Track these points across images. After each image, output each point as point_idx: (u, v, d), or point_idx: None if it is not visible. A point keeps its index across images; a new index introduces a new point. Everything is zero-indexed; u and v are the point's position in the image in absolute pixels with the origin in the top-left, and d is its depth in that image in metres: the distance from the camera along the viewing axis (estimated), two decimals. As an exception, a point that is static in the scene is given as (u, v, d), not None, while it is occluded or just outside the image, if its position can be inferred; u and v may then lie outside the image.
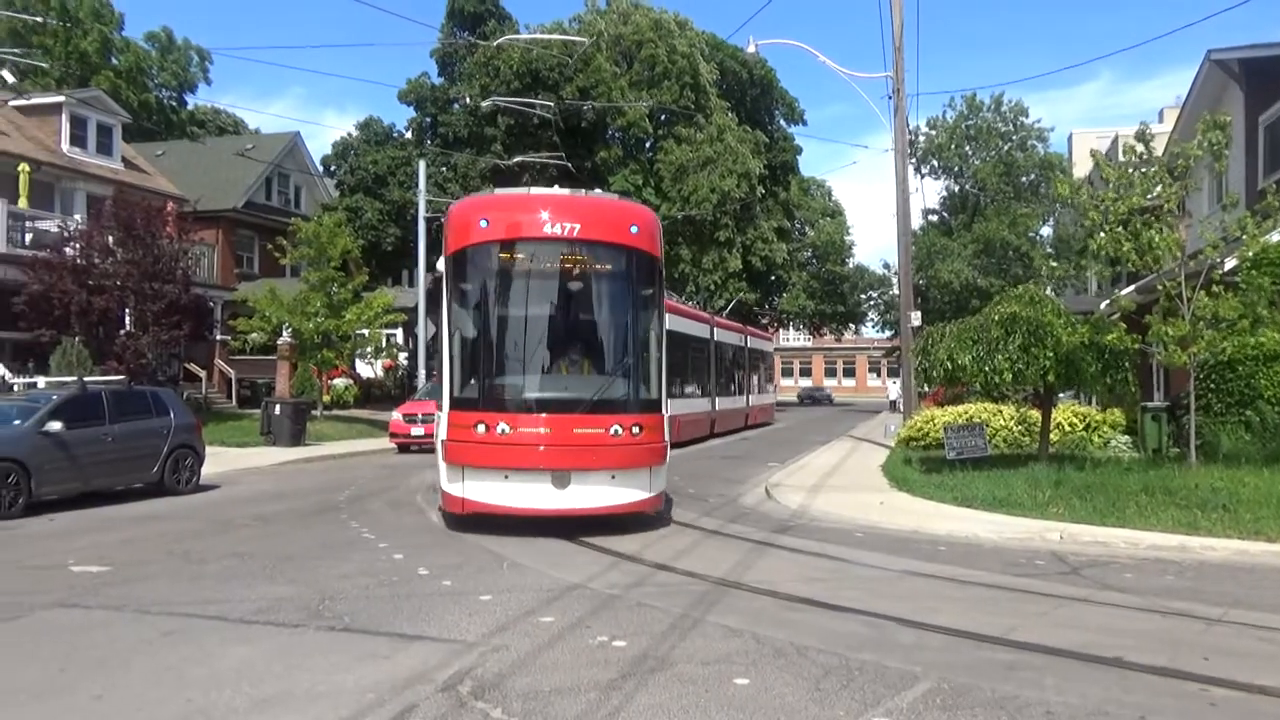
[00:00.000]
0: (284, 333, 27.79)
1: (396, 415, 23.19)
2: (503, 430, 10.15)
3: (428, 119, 38.47)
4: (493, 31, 36.36)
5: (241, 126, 56.71)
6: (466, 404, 10.47)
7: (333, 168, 41.22)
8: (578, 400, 10.46)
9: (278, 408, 22.91)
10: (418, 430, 21.92)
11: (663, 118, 41.14)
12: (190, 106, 55.59)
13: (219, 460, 17.60)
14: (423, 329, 30.17)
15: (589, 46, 33.12)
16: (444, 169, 35.87)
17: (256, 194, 38.65)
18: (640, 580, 8.00)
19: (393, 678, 5.43)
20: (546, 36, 34.42)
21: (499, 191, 12.06)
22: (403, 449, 22.36)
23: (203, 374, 31.42)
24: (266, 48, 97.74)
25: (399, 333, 38.87)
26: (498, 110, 32.72)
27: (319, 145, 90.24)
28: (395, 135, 39.65)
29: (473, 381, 10.67)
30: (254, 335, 28.11)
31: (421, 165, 31.34)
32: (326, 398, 30.90)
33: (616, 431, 10.28)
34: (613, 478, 10.38)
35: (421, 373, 30.05)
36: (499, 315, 10.87)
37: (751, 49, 22.33)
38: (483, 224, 10.70)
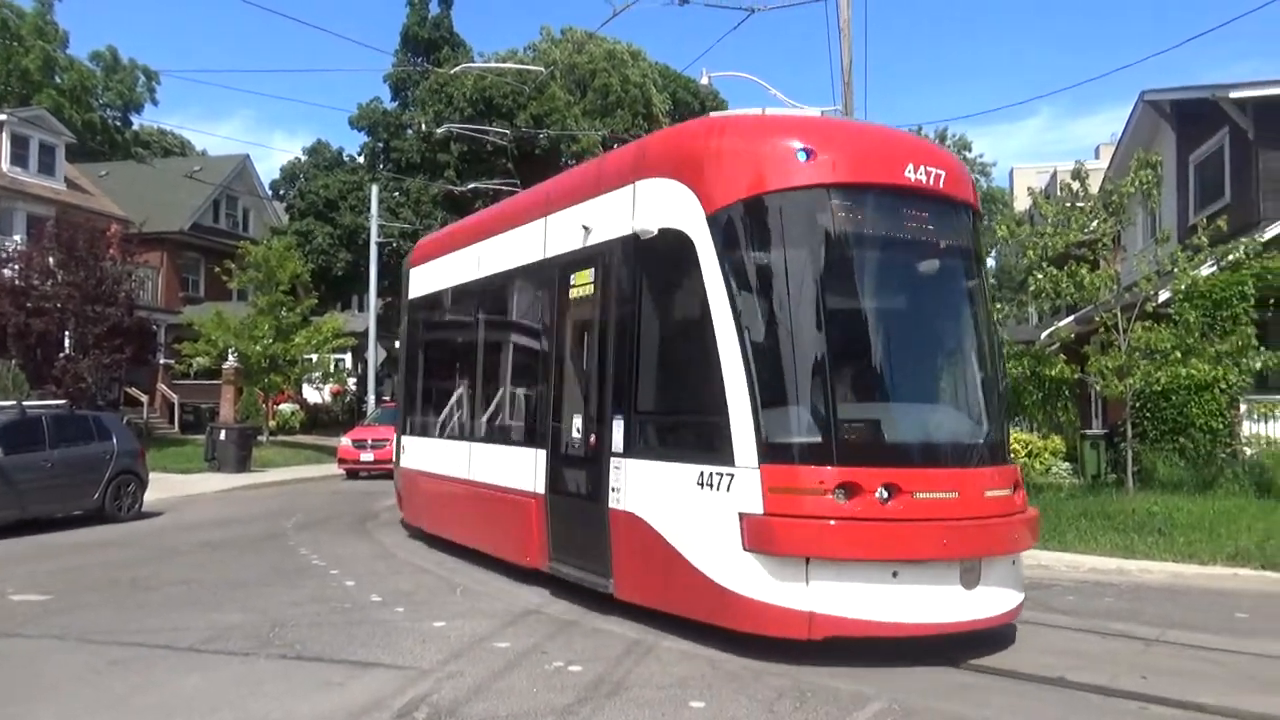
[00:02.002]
0: (230, 357, 27.33)
1: (345, 441, 22.89)
2: (884, 496, 6.24)
3: (380, 144, 38.29)
4: (446, 58, 36.41)
5: (188, 148, 55.84)
6: (801, 453, 6.42)
7: (282, 191, 40.78)
8: (973, 447, 6.95)
9: (223, 433, 22.49)
10: (367, 456, 21.68)
11: (615, 146, 41.48)
12: (136, 127, 54.64)
13: (162, 487, 17.22)
14: (373, 353, 29.91)
15: (544, 76, 33.32)
16: (396, 194, 35.70)
17: (204, 216, 38.08)
18: (595, 606, 8.02)
19: (347, 706, 5.39)
20: (502, 65, 34.52)
21: (742, 111, 7.54)
22: (351, 475, 22.06)
23: (145, 399, 30.74)
24: (216, 70, 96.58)
25: (348, 358, 38.46)
26: (451, 136, 32.73)
27: (269, 168, 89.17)
28: (346, 160, 39.39)
29: (802, 413, 6.54)
30: (199, 359, 27.58)
31: (374, 190, 31.19)
32: (273, 423, 30.42)
33: (1010, 494, 6.86)
34: (1012, 564, 6.86)
35: (371, 398, 29.75)
36: (839, 306, 6.85)
37: (705, 81, 22.69)
38: (801, 155, 6.72)
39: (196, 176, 35.41)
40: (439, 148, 35.13)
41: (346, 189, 36.37)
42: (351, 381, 38.24)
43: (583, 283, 8.29)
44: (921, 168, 6.96)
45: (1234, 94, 17.57)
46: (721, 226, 6.82)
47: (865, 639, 6.17)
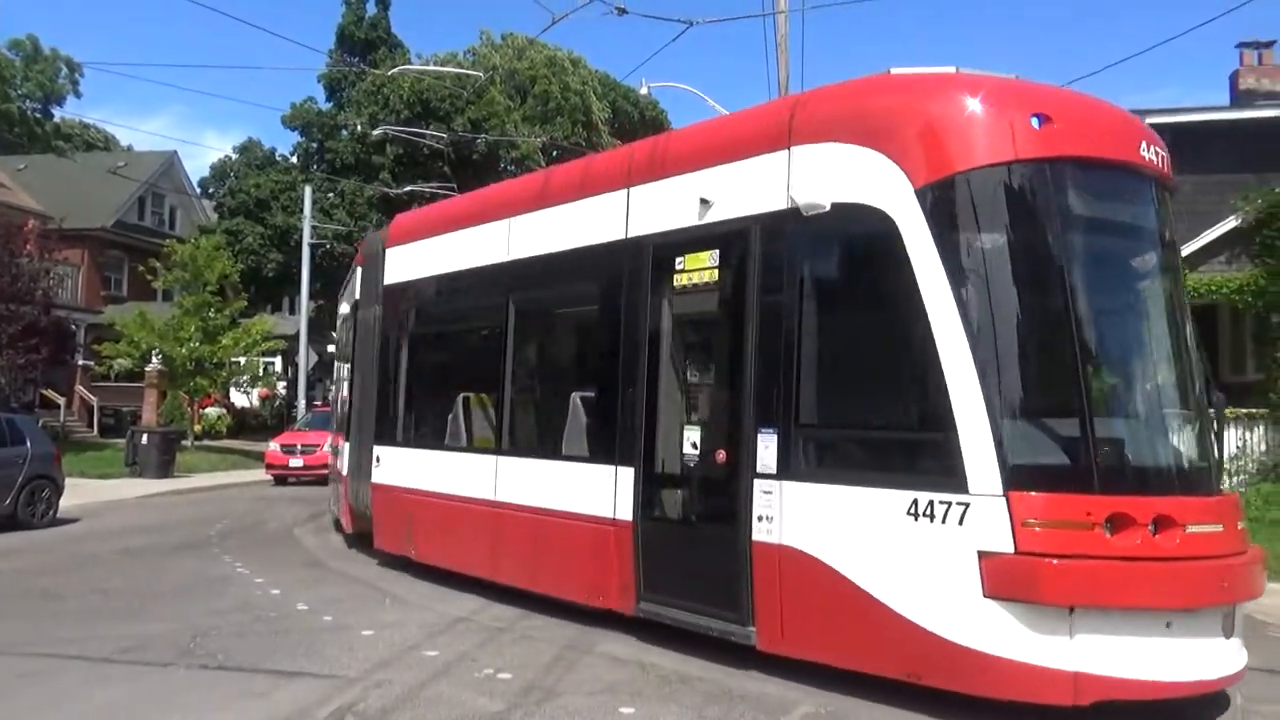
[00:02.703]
0: (153, 359, 26.54)
1: (274, 446, 22.40)
2: (1154, 531, 5.26)
3: (314, 144, 37.63)
4: (383, 59, 35.95)
5: (113, 143, 54.12)
6: (1057, 477, 5.35)
7: (211, 190, 39.81)
8: (1210, 469, 6.10)
9: (144, 437, 21.82)
10: (296, 461, 21.24)
11: (555, 154, 41.47)
12: (57, 119, 52.80)
13: (79, 492, 16.64)
14: (304, 356, 29.34)
15: (484, 81, 33.12)
16: (330, 195, 35.11)
17: (128, 214, 36.96)
18: (526, 613, 8.00)
19: (271, 716, 5.30)
20: (441, 69, 34.20)
21: (930, 70, 6.17)
22: (280, 481, 21.59)
23: (62, 401, 29.70)
24: (144, 64, 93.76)
25: (277, 361, 37.65)
26: (387, 138, 32.34)
27: (199, 166, 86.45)
28: (279, 159, 38.61)
29: (1054, 429, 5.56)
30: (120, 361, 26.72)
31: (308, 191, 30.64)
32: (198, 427, 29.62)
33: (1242, 525, 5.96)
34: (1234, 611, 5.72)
35: (301, 402, 29.16)
36: (1085, 302, 5.79)
37: (645, 90, 22.88)
38: (1035, 122, 5.67)
39: (121, 172, 34.31)
40: (374, 149, 34.68)
41: (279, 189, 35.65)
42: (281, 385, 37.43)
43: (697, 267, 6.82)
44: (1152, 147, 6.05)
45: (1150, 119, 18.30)
46: (937, 203, 5.61)
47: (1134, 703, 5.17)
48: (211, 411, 32.74)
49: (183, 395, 27.62)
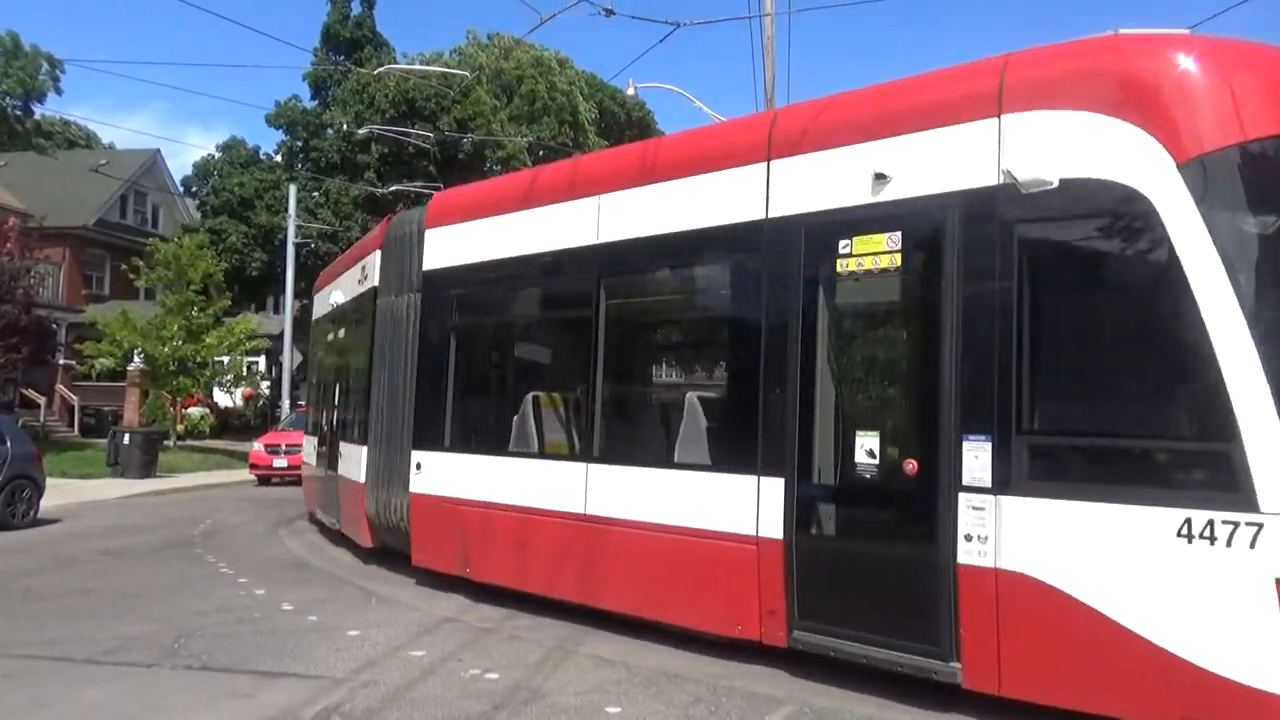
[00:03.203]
0: (135, 358, 26.34)
1: (257, 446, 22.29)
2: None
3: (299, 143, 37.44)
4: (368, 58, 35.83)
5: (94, 140, 53.66)
6: None
7: (195, 188, 39.55)
8: None
9: (126, 437, 21.65)
10: (280, 461, 21.12)
11: (541, 153, 41.46)
12: (38, 117, 52.27)
13: (60, 492, 16.50)
14: (288, 356, 29.19)
15: (470, 80, 33.06)
16: (315, 194, 34.95)
17: (110, 212, 36.67)
18: (513, 613, 8.00)
19: (257, 716, 5.29)
20: (428, 68, 34.11)
21: (1143, 30, 5.56)
22: (264, 481, 21.48)
23: (42, 400, 29.44)
24: (126, 61, 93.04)
25: (261, 360, 37.44)
26: (372, 137, 32.24)
27: (182, 164, 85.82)
28: (263, 158, 38.39)
29: None
30: (102, 360, 26.49)
31: (292, 190, 30.49)
32: (180, 427, 29.42)
33: None
34: None
35: (285, 402, 29.00)
36: None
37: (631, 91, 22.87)
38: None
39: (103, 170, 34.00)
40: (359, 149, 34.56)
41: (263, 188, 35.47)
42: (264, 385, 37.22)
43: (869, 250, 5.97)
44: None
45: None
46: (1208, 180, 4.94)
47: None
48: (195, 411, 32.53)
49: (165, 395, 27.42)
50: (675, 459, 7.02)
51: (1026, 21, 79.51)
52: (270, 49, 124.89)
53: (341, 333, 12.90)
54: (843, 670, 6.01)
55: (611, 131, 48.03)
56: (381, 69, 29.40)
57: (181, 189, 41.71)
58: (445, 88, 33.38)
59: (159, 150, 41.95)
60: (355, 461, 10.68)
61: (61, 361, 30.34)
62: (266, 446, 21.81)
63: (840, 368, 6.27)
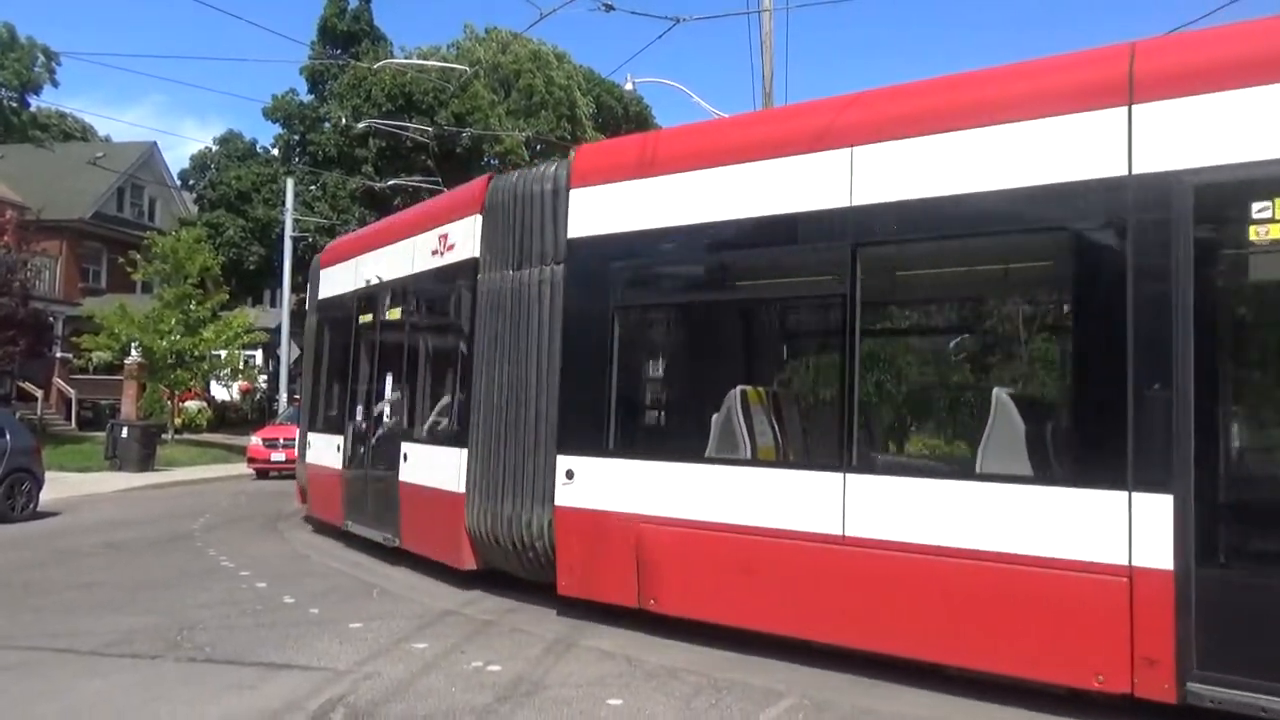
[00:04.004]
0: (133, 351, 26.33)
1: (255, 440, 22.29)
2: None
3: (296, 137, 37.37)
4: (366, 52, 35.73)
5: (90, 133, 53.46)
6: None
7: (192, 182, 39.47)
8: None
9: (124, 430, 21.65)
10: (278, 456, 21.11)
11: (539, 147, 41.45)
12: (34, 109, 52.08)
13: (59, 486, 16.51)
14: (285, 350, 29.16)
15: (468, 75, 33.03)
16: (312, 188, 34.89)
17: (107, 205, 36.61)
18: (515, 606, 8.04)
19: (260, 708, 5.31)
20: (426, 62, 34.06)
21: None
22: (261, 475, 21.48)
23: (39, 393, 29.40)
24: (122, 54, 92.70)
25: (258, 354, 37.41)
26: (370, 131, 32.20)
27: (178, 157, 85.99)
28: (260, 151, 38.32)
29: None
30: (100, 353, 26.46)
31: (289, 183, 30.44)
32: (178, 421, 29.40)
33: None
34: None
35: (283, 395, 28.99)
36: None
37: (629, 86, 22.88)
38: None
39: (100, 163, 33.98)
40: (357, 143, 34.49)
41: (260, 181, 35.41)
42: (262, 379, 37.21)
43: None
44: None
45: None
46: None
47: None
48: (192, 405, 32.51)
49: (163, 388, 27.41)
50: (981, 469, 5.92)
51: (1028, 18, 79.60)
52: (267, 42, 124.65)
53: (393, 313, 10.63)
54: (846, 666, 6.08)
55: (609, 127, 48.00)
56: (380, 63, 29.36)
57: (178, 182, 41.63)
58: (443, 82, 33.34)
59: (156, 143, 41.88)
60: (440, 467, 8.92)
61: (59, 355, 30.32)
62: (264, 440, 21.82)
63: (1253, 360, 5.40)
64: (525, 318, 8.18)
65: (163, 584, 8.94)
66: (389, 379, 10.72)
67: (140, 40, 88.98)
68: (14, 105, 50.26)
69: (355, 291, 11.71)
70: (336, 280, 12.54)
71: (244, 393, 36.76)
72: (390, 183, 30.46)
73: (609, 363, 7.54)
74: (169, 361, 26.15)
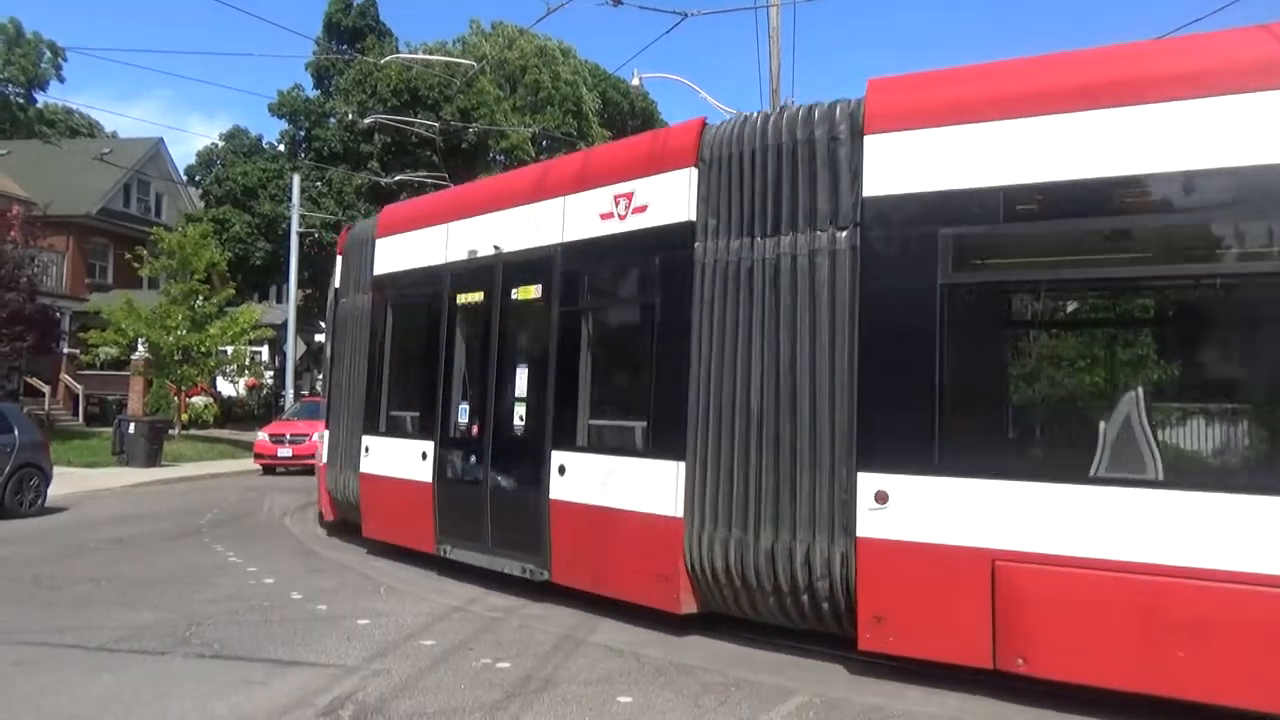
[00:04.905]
0: (140, 347, 26.37)
1: (262, 435, 22.32)
2: None
3: (301, 132, 37.41)
4: (371, 47, 35.73)
5: (97, 129, 53.61)
6: None
7: (198, 177, 39.53)
8: None
9: (131, 426, 21.68)
10: (285, 451, 21.17)
11: (544, 143, 41.42)
12: (40, 105, 52.22)
13: (66, 481, 16.53)
14: (292, 346, 29.21)
15: (475, 70, 33.01)
16: (318, 184, 34.91)
17: (113, 201, 36.64)
18: (522, 602, 8.03)
19: (269, 705, 5.31)
20: (431, 57, 34.07)
21: None
22: (268, 470, 21.52)
23: (46, 389, 29.44)
24: (128, 49, 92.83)
25: (264, 350, 37.47)
26: (375, 127, 32.21)
27: (185, 152, 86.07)
28: (266, 147, 38.35)
29: None
30: (107, 349, 26.52)
31: (296, 179, 30.46)
32: (184, 416, 29.46)
33: None
34: None
35: (289, 391, 29.04)
36: None
37: (636, 82, 22.79)
38: None
39: (106, 159, 33.97)
40: (362, 138, 34.52)
41: (266, 177, 35.46)
42: (268, 375, 37.28)
43: None
44: None
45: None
46: None
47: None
48: (198, 400, 32.59)
49: (170, 384, 27.45)
50: None
51: (1029, 14, 79.27)
52: (273, 38, 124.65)
53: (525, 292, 8.65)
54: (854, 663, 6.06)
55: (615, 122, 48.01)
56: (386, 58, 29.34)
57: (185, 178, 41.65)
58: (449, 77, 33.33)
59: (162, 139, 41.89)
60: (633, 484, 7.23)
61: (66, 350, 30.38)
62: (271, 436, 21.85)
63: None
64: (789, 298, 6.54)
65: (170, 580, 8.94)
66: (521, 373, 8.57)
67: (147, 36, 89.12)
68: (21, 101, 50.53)
69: (450, 265, 9.52)
70: (408, 252, 10.24)
71: (250, 388, 36.83)
72: (396, 178, 30.48)
73: (935, 356, 5.93)
74: (175, 357, 26.20)
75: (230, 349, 28.14)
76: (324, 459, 12.08)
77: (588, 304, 8.17)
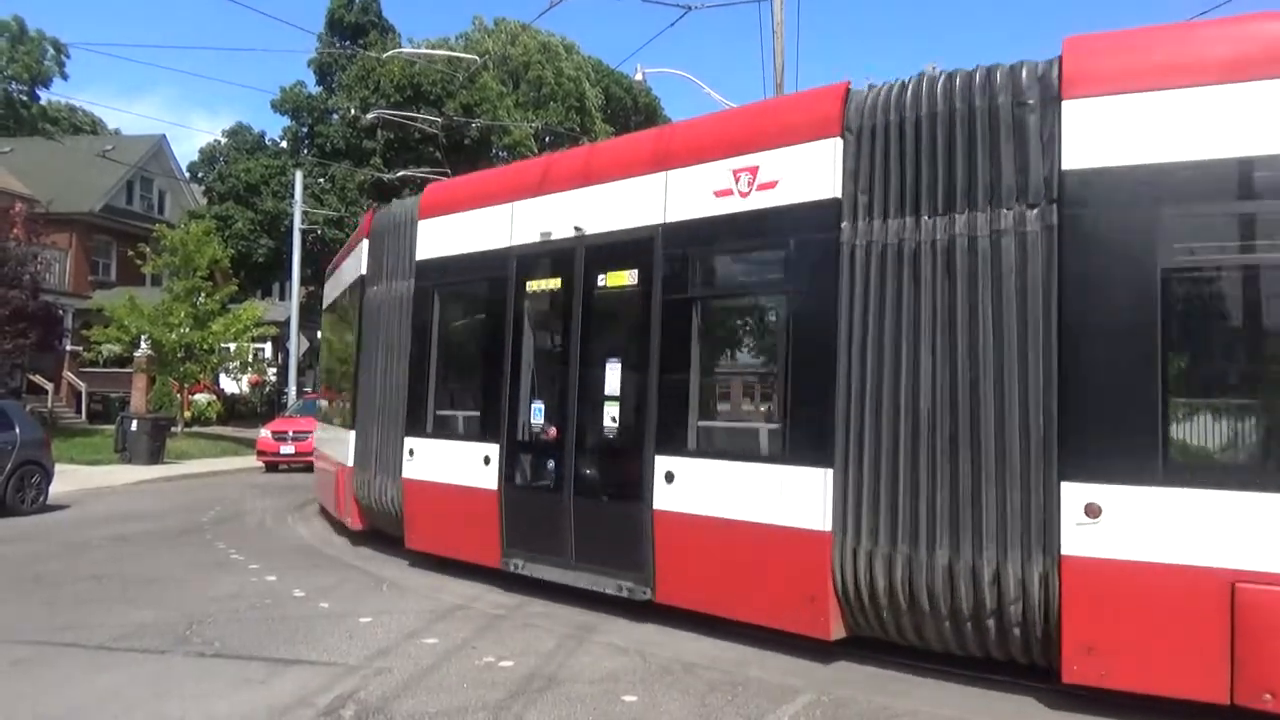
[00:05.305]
0: (143, 344, 26.34)
1: (265, 432, 22.29)
2: None
3: (304, 129, 37.36)
4: (373, 43, 35.64)
5: (100, 126, 53.58)
6: None
7: (200, 174, 39.50)
8: None
9: (134, 423, 21.65)
10: (288, 448, 21.13)
11: (547, 139, 41.34)
12: (43, 102, 52.24)
13: (69, 479, 16.50)
14: (294, 343, 29.18)
15: (478, 65, 32.93)
16: (321, 180, 34.85)
17: (116, 198, 36.61)
18: (526, 600, 7.96)
19: (270, 704, 5.25)
20: (435, 52, 33.99)
21: None
22: (271, 468, 21.49)
23: (49, 386, 29.42)
24: (130, 45, 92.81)
25: (267, 347, 37.45)
26: (377, 123, 32.13)
27: (187, 149, 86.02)
28: (268, 144, 38.32)
29: None
30: (110, 346, 26.48)
31: (298, 176, 30.41)
32: (187, 414, 29.44)
33: None
34: None
35: (291, 388, 29.01)
36: None
37: (639, 76, 22.73)
38: None
39: (109, 156, 33.99)
40: (365, 134, 34.45)
41: (269, 173, 35.40)
42: (271, 372, 37.26)
43: None
44: None
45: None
46: None
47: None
48: (201, 398, 32.57)
49: (172, 381, 27.42)
50: None
51: (1031, 9, 79.02)
52: (275, 34, 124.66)
53: (616, 278, 7.71)
54: (863, 661, 5.99)
55: (618, 117, 47.92)
56: (390, 53, 29.26)
57: (187, 175, 41.64)
58: (451, 73, 33.25)
59: (165, 136, 41.90)
60: (765, 492, 6.39)
61: (69, 348, 30.36)
62: (274, 433, 21.82)
63: None
64: (966, 285, 5.81)
65: (172, 577, 8.89)
66: (612, 369, 7.65)
67: (149, 32, 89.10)
68: (24, 98, 50.52)
69: (517, 249, 8.55)
70: (461, 234, 9.22)
71: (253, 386, 36.81)
72: (399, 174, 30.42)
73: (1156, 351, 5.22)
74: (178, 354, 26.16)
75: (233, 346, 28.11)
76: (350, 461, 10.69)
77: (698, 292, 7.19)
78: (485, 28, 46.03)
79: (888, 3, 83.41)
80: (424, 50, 34.89)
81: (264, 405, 35.40)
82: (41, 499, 13.84)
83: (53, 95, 52.36)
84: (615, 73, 44.91)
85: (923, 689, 5.70)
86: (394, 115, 28.06)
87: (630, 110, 48.50)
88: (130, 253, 29.61)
